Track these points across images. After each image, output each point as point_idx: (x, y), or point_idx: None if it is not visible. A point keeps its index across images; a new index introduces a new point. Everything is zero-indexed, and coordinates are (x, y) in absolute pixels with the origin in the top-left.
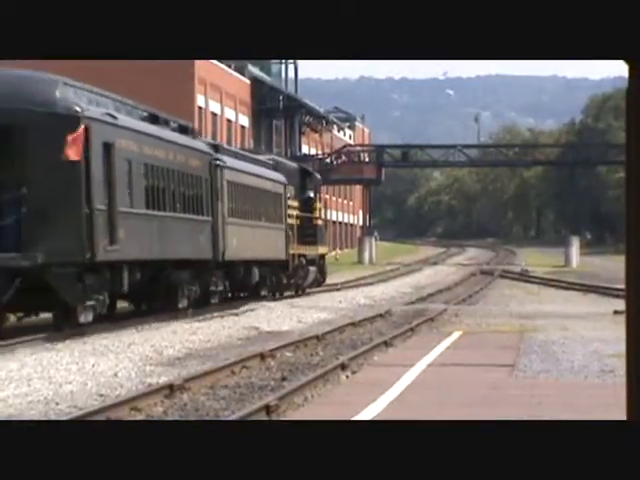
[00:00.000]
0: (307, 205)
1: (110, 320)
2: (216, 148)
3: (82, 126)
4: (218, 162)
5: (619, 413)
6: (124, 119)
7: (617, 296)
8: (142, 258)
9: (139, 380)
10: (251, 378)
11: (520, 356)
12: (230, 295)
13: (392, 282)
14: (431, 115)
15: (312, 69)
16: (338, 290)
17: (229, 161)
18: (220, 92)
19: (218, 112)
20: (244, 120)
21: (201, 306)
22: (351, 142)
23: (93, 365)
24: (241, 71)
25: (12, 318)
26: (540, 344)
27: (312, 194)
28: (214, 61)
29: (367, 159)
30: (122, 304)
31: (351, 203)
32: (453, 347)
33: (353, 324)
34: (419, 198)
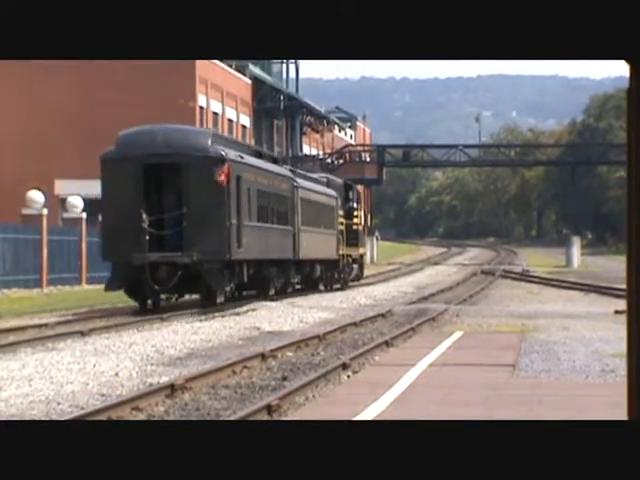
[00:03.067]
0: (350, 213)
1: (234, 302)
2: (293, 172)
3: (227, 164)
4: (295, 184)
5: (620, 413)
6: (247, 158)
7: (618, 296)
8: (255, 258)
9: (140, 380)
10: (252, 378)
11: (521, 356)
12: (300, 287)
13: (393, 282)
14: (432, 115)
15: (313, 69)
16: (340, 290)
17: (301, 182)
18: (221, 92)
19: (219, 112)
20: (245, 120)
21: (282, 294)
22: (352, 142)
23: (94, 365)
24: (242, 71)
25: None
26: (541, 344)
27: (353, 204)
28: (215, 61)
29: (368, 159)
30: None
31: None
32: (454, 347)
33: (354, 324)
34: (420, 198)
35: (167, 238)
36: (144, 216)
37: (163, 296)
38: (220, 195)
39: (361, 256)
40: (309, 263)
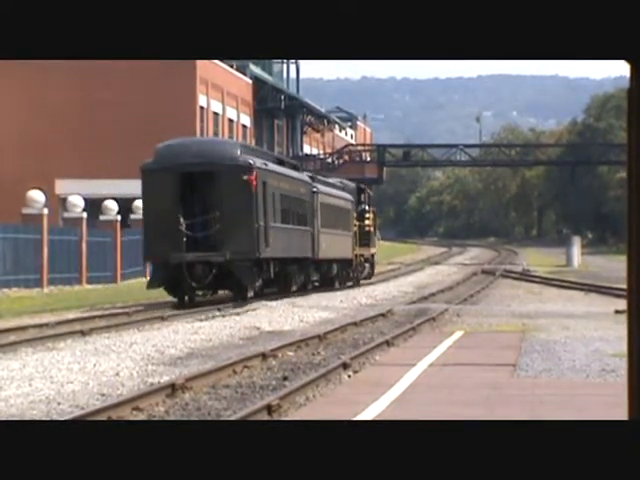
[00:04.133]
0: (362, 215)
1: (259, 297)
2: (312, 178)
3: (255, 172)
4: (314, 189)
5: (620, 413)
6: (271, 165)
7: (618, 295)
8: (279, 256)
9: (141, 380)
10: (253, 378)
11: (522, 355)
12: (318, 284)
13: (394, 281)
14: (432, 115)
15: (314, 69)
16: (340, 289)
17: (320, 187)
18: (222, 92)
19: (220, 112)
20: (246, 120)
21: (303, 290)
22: (353, 142)
23: (95, 365)
24: (243, 71)
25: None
26: (542, 343)
27: (365, 206)
28: (216, 61)
29: (368, 159)
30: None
31: None
32: (455, 347)
33: (355, 323)
34: (420, 198)
35: (202, 239)
36: (181, 220)
37: (200, 292)
38: (249, 199)
39: (372, 255)
40: (327, 262)
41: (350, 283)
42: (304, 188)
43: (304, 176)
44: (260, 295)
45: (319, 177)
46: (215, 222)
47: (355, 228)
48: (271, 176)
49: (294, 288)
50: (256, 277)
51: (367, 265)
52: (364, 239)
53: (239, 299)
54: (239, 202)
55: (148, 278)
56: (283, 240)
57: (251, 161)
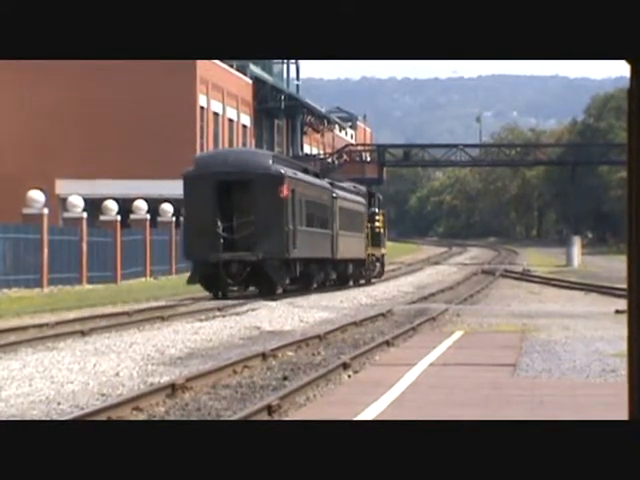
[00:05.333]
0: (372, 218)
1: (287, 293)
2: (332, 185)
3: (286, 181)
4: (334, 195)
5: (621, 413)
6: (298, 174)
7: (618, 296)
8: (304, 257)
9: (141, 380)
10: (253, 378)
11: (522, 356)
12: (335, 282)
13: (394, 281)
14: (432, 115)
15: (314, 69)
16: (340, 289)
17: (339, 193)
18: (222, 92)
19: (220, 112)
20: (246, 120)
21: (322, 287)
22: (353, 142)
23: (95, 365)
24: (243, 71)
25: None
26: (542, 344)
27: (375, 209)
28: (216, 61)
29: (369, 159)
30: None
31: None
32: (455, 347)
33: (355, 323)
34: (421, 198)
35: (237, 241)
36: (219, 223)
37: (234, 288)
38: (280, 205)
39: (382, 255)
40: (343, 262)
41: (362, 281)
42: (325, 194)
43: (325, 183)
44: (287, 291)
45: (336, 183)
46: (249, 225)
47: (367, 230)
48: (299, 184)
49: (315, 285)
50: (285, 275)
51: (378, 264)
52: (375, 240)
53: (268, 295)
54: (271, 208)
55: (188, 274)
56: (308, 242)
57: (282, 171)
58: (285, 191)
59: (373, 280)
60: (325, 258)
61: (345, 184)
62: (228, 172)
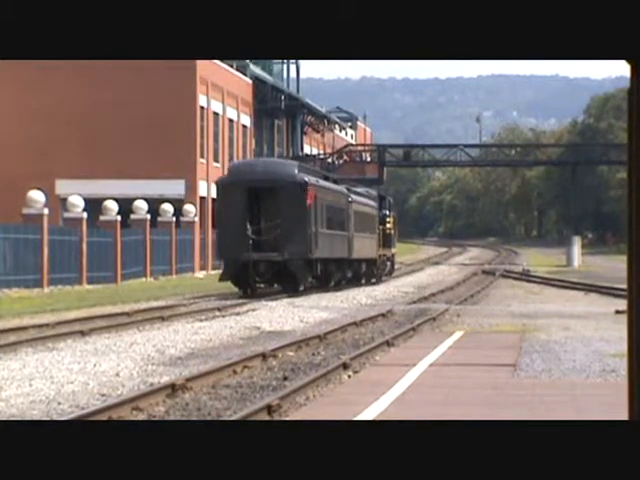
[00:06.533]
0: (383, 220)
1: (307, 291)
2: (348, 190)
3: (309, 188)
4: (350, 199)
5: (621, 413)
6: (320, 182)
7: (618, 296)
8: (324, 257)
9: (141, 380)
10: (253, 378)
11: (522, 356)
12: (350, 281)
13: (394, 282)
14: (432, 115)
15: (314, 69)
16: (340, 290)
17: (354, 197)
18: (222, 92)
19: (220, 112)
20: (246, 120)
21: (339, 285)
22: (353, 142)
23: (95, 365)
24: (243, 71)
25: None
26: (542, 344)
27: (386, 212)
28: (216, 61)
29: (369, 159)
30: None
31: None
32: (455, 347)
33: (355, 324)
34: (421, 198)
35: (265, 242)
36: (248, 226)
37: (261, 285)
38: (304, 210)
39: (392, 255)
40: (357, 261)
41: (374, 280)
42: (342, 199)
43: (342, 188)
44: (309, 288)
45: (351, 188)
46: (276, 228)
47: (378, 231)
48: (320, 191)
49: (332, 283)
50: (307, 274)
51: (388, 263)
52: (386, 241)
53: (291, 291)
54: (296, 212)
55: (220, 272)
56: (327, 243)
57: (306, 179)
58: (309, 197)
59: (383, 278)
60: (342, 258)
61: (359, 189)
62: (258, 180)
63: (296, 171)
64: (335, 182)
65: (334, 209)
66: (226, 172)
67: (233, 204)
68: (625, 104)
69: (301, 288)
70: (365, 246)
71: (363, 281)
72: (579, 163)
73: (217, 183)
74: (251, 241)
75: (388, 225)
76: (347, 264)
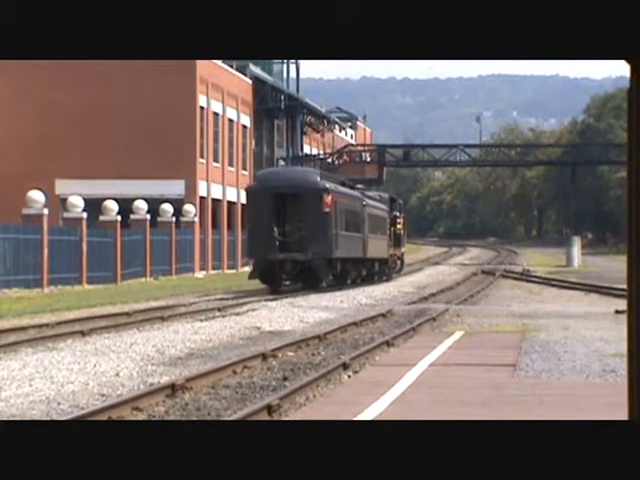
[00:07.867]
0: (394, 221)
1: (329, 288)
2: (362, 194)
3: (331, 194)
4: (364, 203)
5: (621, 413)
6: (339, 188)
7: (618, 296)
8: (343, 256)
9: (141, 380)
10: (253, 378)
11: (522, 356)
12: (364, 279)
13: (393, 282)
14: (432, 115)
15: (314, 69)
16: (340, 289)
17: (368, 201)
18: (222, 92)
19: (220, 112)
20: (246, 120)
21: (355, 282)
22: (353, 142)
23: (95, 365)
24: (243, 71)
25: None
26: (542, 344)
27: (396, 213)
28: (216, 61)
29: (369, 159)
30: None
31: None
32: (455, 347)
33: (355, 324)
34: (421, 198)
35: (290, 243)
36: (275, 228)
37: (287, 282)
38: (326, 214)
39: (402, 254)
40: (371, 261)
41: (385, 277)
42: (358, 203)
43: (357, 193)
44: (330, 286)
45: (365, 192)
46: (300, 230)
47: (389, 232)
48: (340, 196)
49: (349, 281)
50: (328, 272)
51: (398, 262)
52: (396, 241)
53: (313, 287)
54: (318, 216)
55: (250, 270)
56: (346, 244)
57: (327, 185)
58: (329, 202)
59: (393, 275)
60: (358, 257)
61: (371, 193)
62: (283, 187)
63: (318, 178)
64: (352, 188)
65: (351, 212)
66: (253, 180)
67: (261, 209)
68: (625, 104)
69: (323, 285)
70: (378, 246)
71: (375, 279)
72: (579, 163)
73: (246, 190)
74: (277, 242)
75: (398, 226)
76: (362, 263)
